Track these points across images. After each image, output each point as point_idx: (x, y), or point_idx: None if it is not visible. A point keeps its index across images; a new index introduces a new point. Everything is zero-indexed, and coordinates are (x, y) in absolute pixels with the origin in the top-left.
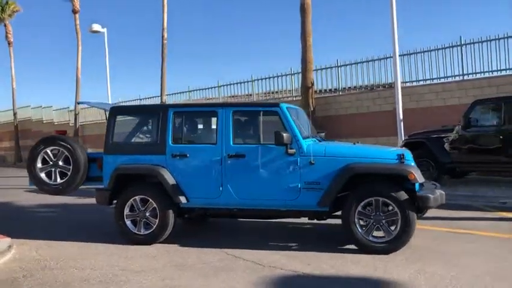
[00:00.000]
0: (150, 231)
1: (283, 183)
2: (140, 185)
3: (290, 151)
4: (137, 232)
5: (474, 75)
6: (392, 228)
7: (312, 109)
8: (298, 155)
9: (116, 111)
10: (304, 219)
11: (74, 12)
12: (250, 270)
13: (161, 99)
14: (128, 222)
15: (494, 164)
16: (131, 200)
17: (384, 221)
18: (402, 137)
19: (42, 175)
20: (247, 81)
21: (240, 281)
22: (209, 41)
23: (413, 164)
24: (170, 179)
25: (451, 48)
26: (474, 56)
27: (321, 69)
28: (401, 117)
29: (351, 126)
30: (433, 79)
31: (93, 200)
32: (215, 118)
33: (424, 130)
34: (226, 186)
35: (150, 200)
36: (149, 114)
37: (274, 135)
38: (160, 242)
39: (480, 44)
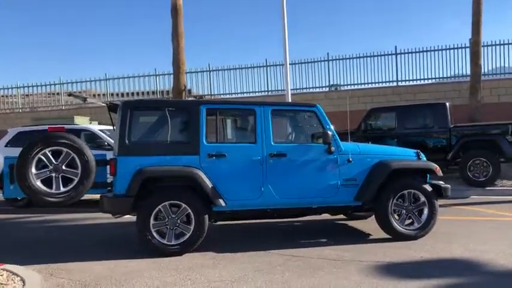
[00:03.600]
0: (183, 240)
1: (324, 181)
2: (171, 189)
3: (332, 149)
4: (167, 243)
5: (340, 87)
6: (420, 216)
7: None
8: (337, 153)
9: (131, 106)
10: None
11: None
12: (337, 265)
13: None
14: (154, 233)
15: None
16: (160, 206)
17: (414, 211)
18: None
19: (38, 183)
20: (100, 80)
21: (348, 276)
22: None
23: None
24: (208, 181)
25: (319, 63)
26: (339, 70)
27: (192, 72)
28: None
29: None
30: (303, 89)
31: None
32: (252, 116)
33: None
34: (267, 186)
35: (184, 205)
36: (174, 110)
37: (320, 134)
38: (189, 252)
39: (344, 60)
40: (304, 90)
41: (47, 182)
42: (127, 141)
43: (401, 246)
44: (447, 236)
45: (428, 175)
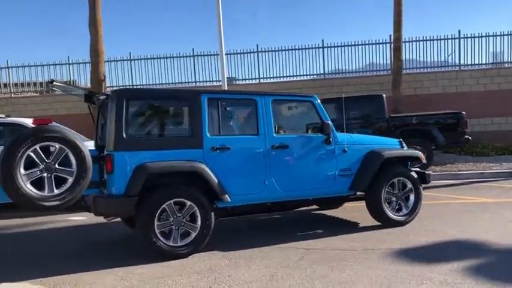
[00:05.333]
0: (189, 240)
1: (323, 171)
2: (174, 186)
3: (330, 140)
4: (173, 244)
5: (269, 79)
6: (407, 202)
7: None
8: (334, 143)
9: (127, 95)
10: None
11: None
12: (356, 255)
13: None
14: (159, 235)
15: None
16: (164, 205)
17: (403, 197)
18: None
19: (29, 185)
20: (1, 68)
21: (377, 266)
22: None
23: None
24: (213, 176)
25: (250, 54)
26: (269, 62)
27: (111, 61)
28: None
29: None
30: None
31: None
32: (253, 107)
33: None
34: (270, 180)
35: (189, 202)
36: (173, 101)
37: (319, 124)
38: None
39: (274, 52)
40: (238, 82)
41: (37, 183)
42: (124, 135)
43: (397, 232)
44: (432, 220)
45: (408, 163)
